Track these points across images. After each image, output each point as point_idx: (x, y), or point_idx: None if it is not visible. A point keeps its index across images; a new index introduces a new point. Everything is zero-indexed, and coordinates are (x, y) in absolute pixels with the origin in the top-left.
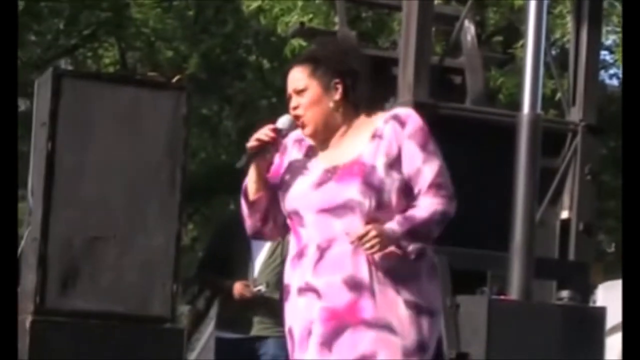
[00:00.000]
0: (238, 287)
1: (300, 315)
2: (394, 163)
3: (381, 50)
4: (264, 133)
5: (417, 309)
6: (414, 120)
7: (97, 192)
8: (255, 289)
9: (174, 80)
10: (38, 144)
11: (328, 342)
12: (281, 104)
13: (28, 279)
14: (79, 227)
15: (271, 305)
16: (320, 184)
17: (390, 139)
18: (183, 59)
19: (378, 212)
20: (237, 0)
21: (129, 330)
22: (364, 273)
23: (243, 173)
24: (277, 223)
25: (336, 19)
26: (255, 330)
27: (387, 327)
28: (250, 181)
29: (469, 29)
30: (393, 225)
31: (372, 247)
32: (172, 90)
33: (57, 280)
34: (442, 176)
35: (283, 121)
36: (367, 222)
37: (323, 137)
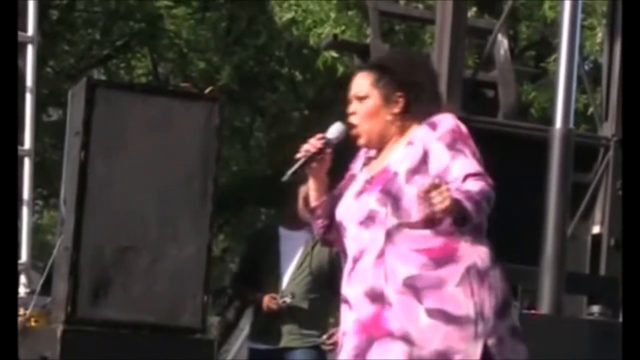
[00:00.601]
0: (265, 299)
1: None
2: (419, 167)
3: None
4: (311, 143)
5: (445, 317)
6: (446, 122)
7: (129, 202)
8: (281, 301)
9: (207, 91)
10: (71, 153)
11: (361, 355)
12: (313, 116)
13: (60, 288)
14: (111, 237)
15: (299, 316)
16: (359, 194)
17: (418, 143)
18: (215, 70)
19: (396, 219)
20: (270, 12)
21: (159, 341)
22: (382, 284)
23: (275, 184)
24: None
25: (369, 31)
26: (285, 341)
27: (404, 338)
28: (310, 189)
29: (502, 43)
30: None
31: (442, 201)
32: (204, 101)
33: (88, 289)
34: (476, 168)
35: (332, 130)
36: (387, 232)
37: (377, 147)
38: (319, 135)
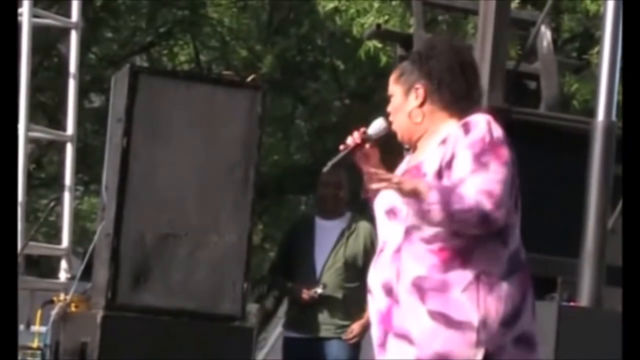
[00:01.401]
0: (297, 290)
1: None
2: (445, 172)
3: None
4: (352, 137)
5: (445, 321)
6: (479, 128)
7: (171, 189)
8: (312, 291)
9: (249, 79)
10: (113, 140)
11: (383, 344)
12: (355, 106)
13: (100, 274)
14: (152, 224)
15: (333, 306)
16: None
17: (450, 145)
18: (257, 59)
19: (414, 220)
20: (313, 1)
21: (199, 328)
22: (393, 280)
23: (315, 173)
24: None
25: (412, 21)
26: (318, 331)
27: (406, 337)
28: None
29: (545, 35)
30: (424, 181)
31: (380, 181)
32: (247, 90)
33: (128, 276)
34: (490, 187)
35: (373, 126)
36: (406, 230)
37: (411, 143)
38: (362, 130)
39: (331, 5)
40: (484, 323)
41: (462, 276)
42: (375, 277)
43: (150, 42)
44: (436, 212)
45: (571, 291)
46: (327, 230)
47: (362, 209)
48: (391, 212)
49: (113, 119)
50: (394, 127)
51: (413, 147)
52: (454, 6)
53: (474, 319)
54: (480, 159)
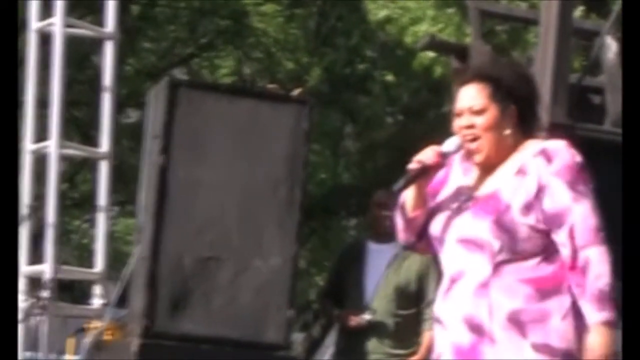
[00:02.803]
0: (345, 316)
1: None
2: (533, 203)
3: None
4: (427, 156)
5: (550, 351)
6: (563, 155)
7: (212, 210)
8: (359, 317)
9: (295, 93)
10: (150, 157)
11: None
12: (408, 122)
13: (136, 300)
14: (192, 246)
15: (384, 334)
16: (460, 211)
17: (532, 176)
18: (304, 71)
19: (506, 255)
20: (363, 10)
21: (241, 357)
22: (483, 316)
23: (365, 194)
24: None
25: (468, 30)
26: None
27: None
28: (410, 197)
29: (611, 46)
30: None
31: None
32: (293, 104)
33: (167, 302)
34: (598, 224)
35: (450, 144)
36: (495, 265)
37: (493, 163)
38: (436, 148)
39: (383, 13)
40: (580, 350)
41: (561, 303)
42: (450, 309)
43: (190, 53)
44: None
45: None
46: (379, 254)
47: None
48: (472, 243)
49: (150, 136)
50: (479, 145)
51: (482, 168)
52: (514, 15)
53: (575, 346)
54: (576, 188)
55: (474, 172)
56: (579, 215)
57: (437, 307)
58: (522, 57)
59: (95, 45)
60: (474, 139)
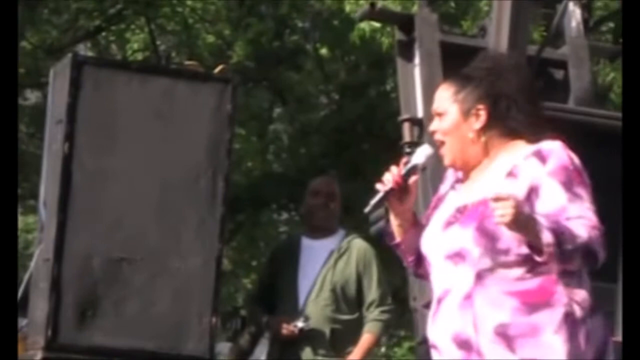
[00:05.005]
0: (276, 324)
1: None
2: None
3: (467, 38)
4: (388, 177)
5: None
6: (557, 156)
7: (123, 204)
8: (292, 326)
9: (217, 70)
10: (53, 145)
11: None
12: (346, 102)
13: (38, 308)
14: (101, 246)
15: (319, 343)
16: (448, 225)
17: (524, 178)
18: (227, 46)
19: (488, 262)
20: None
21: None
22: (469, 330)
23: (298, 184)
24: None
25: None
26: None
27: None
28: (392, 223)
29: (574, 14)
30: (533, 216)
31: (502, 215)
32: (214, 83)
33: (73, 309)
34: (595, 219)
35: (419, 154)
36: (477, 274)
37: (462, 169)
38: (403, 160)
39: None
40: None
41: (552, 316)
42: (440, 330)
43: (97, 26)
44: (550, 255)
45: (610, 322)
46: (314, 252)
47: (358, 226)
48: (457, 256)
49: (52, 121)
50: (445, 150)
51: (465, 175)
52: None
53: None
54: (571, 189)
55: (466, 182)
56: (575, 210)
57: (429, 332)
58: (474, 27)
59: None
60: (442, 144)
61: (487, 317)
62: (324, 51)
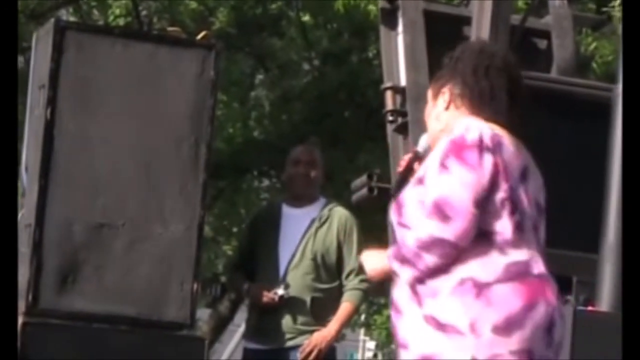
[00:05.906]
0: (255, 291)
1: None
2: (424, 177)
3: (450, 7)
4: (403, 160)
5: (436, 324)
6: (457, 130)
7: (105, 170)
8: (272, 293)
9: (199, 37)
10: (35, 111)
11: None
12: (328, 69)
13: (19, 273)
14: (82, 212)
15: (298, 311)
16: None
17: (438, 150)
18: (209, 11)
19: (400, 227)
20: None
21: (139, 337)
22: (397, 293)
23: (280, 150)
24: None
25: None
26: (281, 341)
27: (405, 345)
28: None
29: None
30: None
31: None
32: (196, 49)
33: (54, 275)
34: (444, 197)
35: (422, 143)
36: (394, 237)
37: None
38: (413, 150)
39: None
40: (472, 328)
41: (447, 281)
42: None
43: None
44: (400, 270)
45: (589, 293)
46: (295, 220)
47: (339, 193)
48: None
49: (34, 86)
50: (428, 134)
51: None
52: None
53: (461, 322)
54: (443, 163)
55: None
56: (429, 195)
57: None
58: None
59: None
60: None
61: (402, 276)
62: (306, 18)
